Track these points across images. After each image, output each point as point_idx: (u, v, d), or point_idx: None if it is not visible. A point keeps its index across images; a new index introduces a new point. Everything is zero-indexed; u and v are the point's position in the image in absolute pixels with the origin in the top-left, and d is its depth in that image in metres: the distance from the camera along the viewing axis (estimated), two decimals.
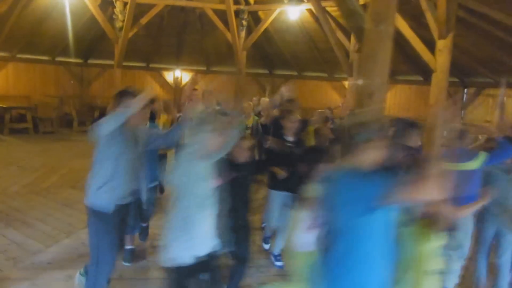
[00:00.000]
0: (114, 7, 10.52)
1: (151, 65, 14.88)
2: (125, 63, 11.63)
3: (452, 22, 6.44)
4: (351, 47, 9.64)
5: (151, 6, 10.81)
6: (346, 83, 14.39)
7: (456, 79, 12.09)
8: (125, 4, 10.47)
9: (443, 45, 6.46)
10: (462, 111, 12.22)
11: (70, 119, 13.25)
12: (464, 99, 12.25)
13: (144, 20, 10.76)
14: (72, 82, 13.95)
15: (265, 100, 7.75)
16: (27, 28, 11.05)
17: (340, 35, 9.58)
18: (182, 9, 11.90)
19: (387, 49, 3.75)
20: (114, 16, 10.53)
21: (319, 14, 9.12)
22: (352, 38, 9.63)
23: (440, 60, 6.56)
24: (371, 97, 3.78)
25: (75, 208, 5.71)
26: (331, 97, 14.75)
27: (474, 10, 7.81)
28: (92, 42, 13.18)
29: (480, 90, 11.73)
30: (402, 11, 6.60)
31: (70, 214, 5.51)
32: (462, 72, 11.58)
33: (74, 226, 5.08)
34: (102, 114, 5.52)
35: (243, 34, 11.21)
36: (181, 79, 15.41)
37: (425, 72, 12.54)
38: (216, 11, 11.29)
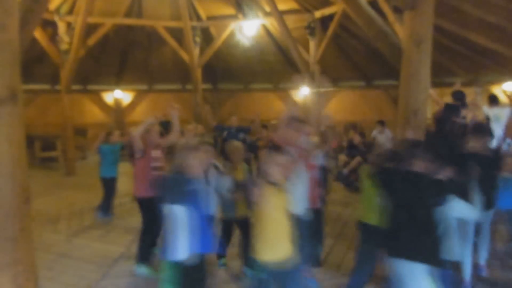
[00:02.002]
0: (56, 28, 9.68)
1: (89, 87, 13.91)
2: (59, 87, 10.62)
3: None
4: (311, 59, 9.95)
5: (96, 26, 10.12)
6: (292, 93, 14.80)
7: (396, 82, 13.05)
8: (69, 24, 9.69)
9: None
10: None
11: None
12: None
13: (91, 41, 10.03)
14: None
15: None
16: None
17: (300, 48, 9.80)
18: (130, 27, 11.33)
19: (428, 67, 3.94)
20: (58, 38, 9.67)
21: (282, 29, 9.29)
22: (311, 50, 9.97)
23: None
24: (416, 113, 3.94)
25: (73, 256, 5.12)
26: (278, 107, 15.00)
27: None
28: (24, 66, 11.91)
29: None
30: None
31: (72, 265, 4.89)
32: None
33: (88, 278, 4.53)
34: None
35: (197, 51, 10.97)
36: (121, 100, 14.63)
37: (368, 78, 13.40)
38: (166, 29, 10.92)
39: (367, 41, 10.96)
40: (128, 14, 10.69)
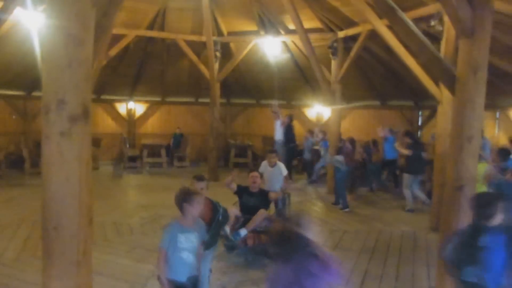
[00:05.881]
0: None
1: (102, 97, 13.88)
2: None
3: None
4: (332, 78, 9.94)
5: (119, 37, 10.10)
6: (304, 110, 14.80)
7: (411, 103, 13.10)
8: None
9: None
10: (419, 131, 13.20)
11: (16, 160, 11.75)
12: (420, 121, 13.32)
13: (113, 52, 10.00)
14: (14, 117, 12.44)
15: None
16: None
17: (322, 66, 9.78)
18: (150, 39, 11.34)
19: (483, 95, 3.89)
20: None
21: (306, 46, 9.27)
22: (333, 69, 9.97)
23: (445, 93, 6.99)
24: (470, 141, 3.87)
25: (103, 274, 4.93)
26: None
27: None
28: (39, 72, 11.90)
29: (433, 112, 12.72)
30: (407, 48, 6.92)
31: (106, 283, 4.72)
32: (417, 96, 12.53)
33: None
34: None
35: (216, 65, 10.96)
36: (134, 111, 14.59)
37: (383, 98, 13.40)
38: (187, 42, 10.94)
39: (386, 62, 11.00)
40: (150, 27, 10.69)
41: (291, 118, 11.59)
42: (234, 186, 5.55)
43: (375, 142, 10.83)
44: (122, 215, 7.73)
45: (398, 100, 13.21)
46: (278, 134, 10.94)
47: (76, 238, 2.56)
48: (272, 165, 6.46)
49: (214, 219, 3.92)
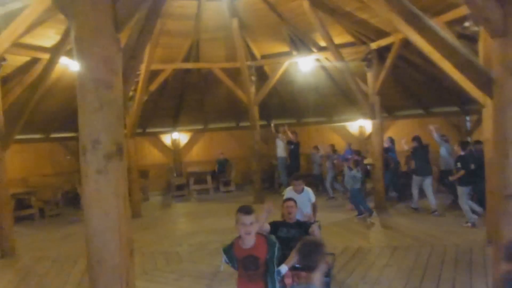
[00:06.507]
0: None
1: (148, 130, 14.46)
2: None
3: None
4: (370, 91, 9.79)
5: (157, 72, 10.58)
6: (346, 124, 14.61)
7: (457, 108, 12.59)
8: None
9: None
10: (468, 137, 12.59)
11: (72, 198, 12.41)
12: (468, 126, 12.74)
13: (153, 87, 10.49)
14: (68, 157, 13.20)
15: None
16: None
17: (357, 79, 9.68)
18: (187, 70, 11.79)
19: None
20: None
21: (339, 62, 9.25)
22: (369, 82, 9.83)
23: None
24: None
25: None
26: (333, 139, 14.79)
27: None
28: None
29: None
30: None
31: None
32: (462, 101, 12.03)
33: None
34: None
35: (253, 89, 11.15)
36: (179, 141, 15.05)
37: (426, 106, 13.00)
38: (222, 70, 11.25)
39: (424, 69, 10.70)
40: (186, 59, 11.12)
41: (296, 135, 12.61)
42: (267, 228, 4.32)
43: (386, 150, 11.01)
44: (171, 243, 7.92)
45: (442, 106, 12.76)
46: (280, 150, 11.75)
47: (118, 270, 2.67)
48: (299, 191, 5.81)
49: (271, 257, 3.18)
